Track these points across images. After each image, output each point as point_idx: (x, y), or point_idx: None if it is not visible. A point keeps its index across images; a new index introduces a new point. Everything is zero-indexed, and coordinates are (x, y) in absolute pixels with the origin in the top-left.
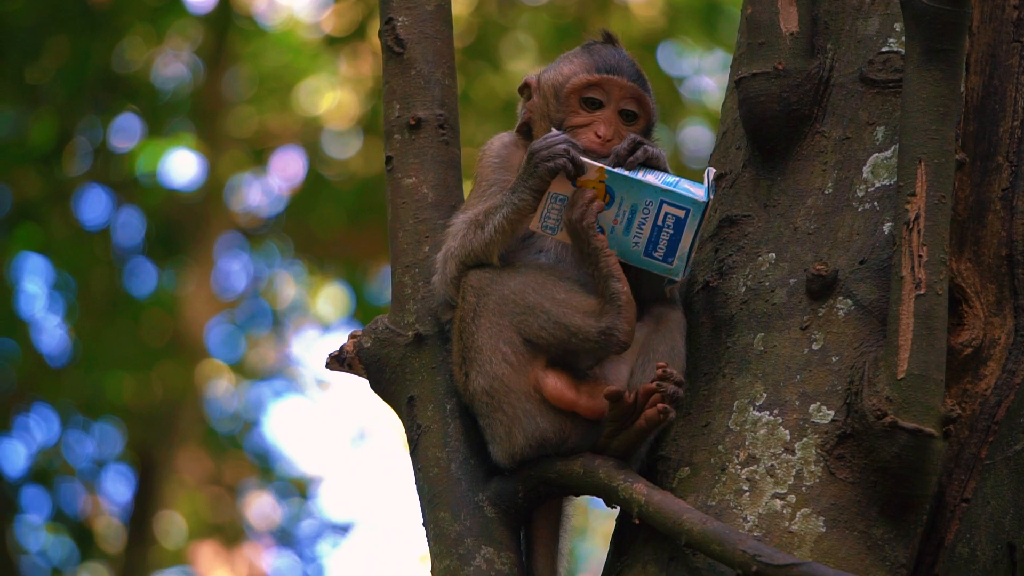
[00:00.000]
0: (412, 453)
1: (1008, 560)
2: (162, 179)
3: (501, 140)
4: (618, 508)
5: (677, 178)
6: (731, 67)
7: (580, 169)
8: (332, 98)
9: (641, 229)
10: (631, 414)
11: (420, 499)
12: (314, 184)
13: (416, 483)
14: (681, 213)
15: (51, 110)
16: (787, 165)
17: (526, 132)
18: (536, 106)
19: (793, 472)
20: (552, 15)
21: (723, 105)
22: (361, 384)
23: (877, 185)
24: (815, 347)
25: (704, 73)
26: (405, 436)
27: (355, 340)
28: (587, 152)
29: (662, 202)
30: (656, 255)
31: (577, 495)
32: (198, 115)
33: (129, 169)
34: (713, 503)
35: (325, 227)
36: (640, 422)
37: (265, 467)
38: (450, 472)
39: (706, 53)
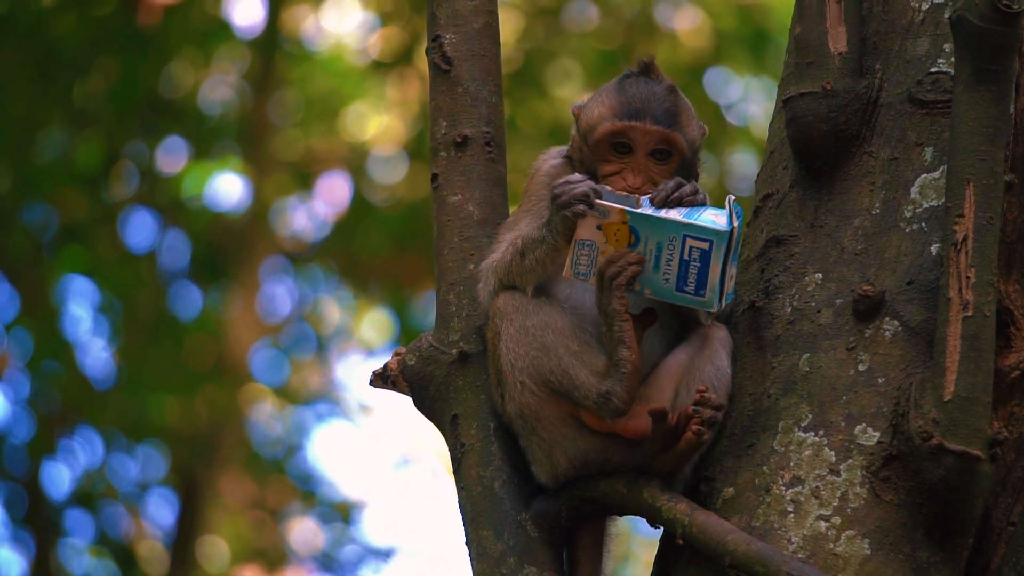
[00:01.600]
0: (455, 472)
1: None
2: (208, 202)
3: (550, 160)
4: (661, 529)
5: (703, 208)
6: (779, 87)
7: (603, 214)
8: (378, 122)
9: (669, 266)
10: (674, 435)
11: (463, 518)
12: (359, 208)
13: (459, 502)
14: (705, 245)
15: (98, 132)
16: (834, 185)
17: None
18: (576, 144)
19: (838, 494)
20: (598, 41)
21: (770, 125)
22: (404, 407)
23: (925, 206)
24: (861, 368)
25: (750, 99)
26: (449, 455)
27: (399, 358)
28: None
29: (685, 236)
30: (688, 289)
31: (620, 515)
32: (244, 139)
33: (175, 192)
34: (757, 524)
35: (370, 251)
36: (682, 444)
37: (308, 491)
38: (493, 491)
39: (752, 79)
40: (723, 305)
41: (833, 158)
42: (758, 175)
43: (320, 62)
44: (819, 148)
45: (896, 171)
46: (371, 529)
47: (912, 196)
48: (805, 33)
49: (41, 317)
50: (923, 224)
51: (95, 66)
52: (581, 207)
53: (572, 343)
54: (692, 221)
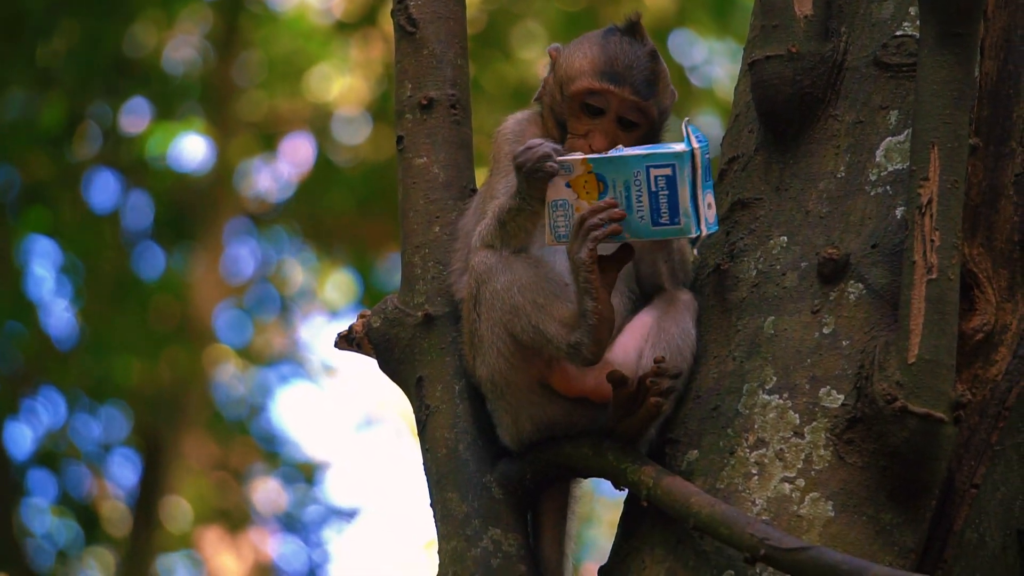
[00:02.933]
0: (420, 434)
1: (1017, 546)
2: (172, 163)
3: (515, 118)
4: (626, 491)
5: (663, 143)
6: (744, 50)
7: (568, 169)
8: (342, 84)
9: (640, 202)
10: (635, 400)
11: (428, 480)
12: (323, 169)
13: (424, 464)
14: (668, 171)
15: (61, 93)
16: (799, 148)
17: (546, 99)
18: (549, 87)
19: (802, 456)
20: (563, 2)
21: (736, 88)
22: (368, 369)
23: (890, 169)
24: (826, 331)
25: (714, 62)
26: (414, 417)
27: (364, 320)
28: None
29: (648, 167)
30: (663, 221)
31: (585, 477)
32: (208, 100)
33: (139, 153)
34: (722, 486)
35: (334, 213)
36: (642, 411)
37: (271, 452)
38: (458, 453)
39: (716, 42)
40: (704, 232)
41: (798, 122)
42: (723, 138)
43: (284, 23)
44: (784, 111)
45: (861, 135)
46: (334, 490)
47: (877, 159)
48: None
49: (4, 278)
50: (888, 187)
51: (59, 26)
52: (550, 165)
53: (539, 297)
54: (651, 151)
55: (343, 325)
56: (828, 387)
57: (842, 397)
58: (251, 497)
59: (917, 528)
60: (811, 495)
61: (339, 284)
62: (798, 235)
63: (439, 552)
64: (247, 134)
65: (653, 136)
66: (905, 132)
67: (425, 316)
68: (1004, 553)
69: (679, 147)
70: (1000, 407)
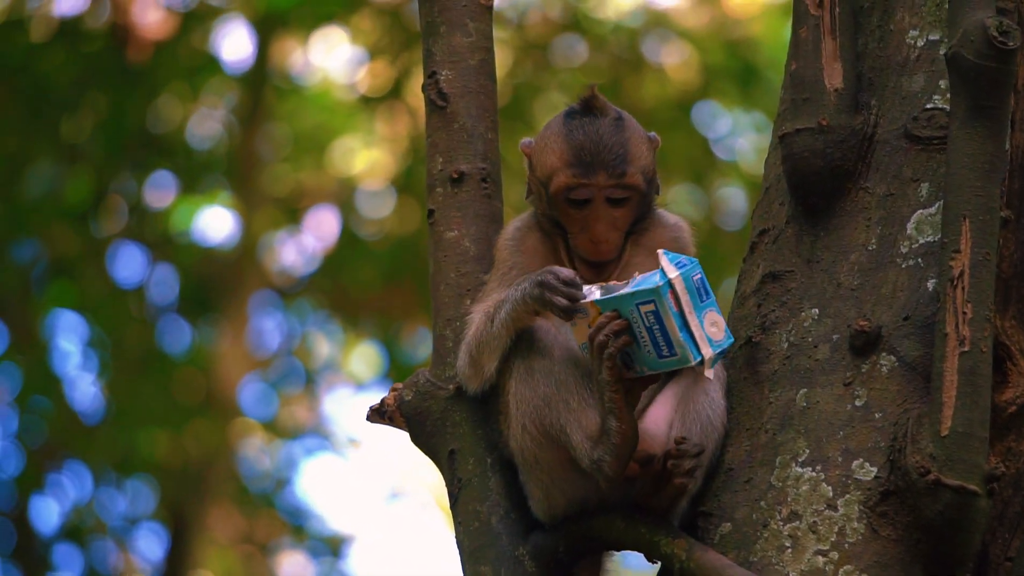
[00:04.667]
0: (453, 507)
1: None
2: (196, 237)
3: (514, 224)
4: (659, 564)
5: (651, 272)
6: (775, 123)
7: (585, 314)
8: (366, 157)
9: (643, 338)
10: (663, 476)
11: (460, 553)
12: (348, 243)
13: (456, 537)
14: (652, 307)
15: (87, 168)
16: (831, 221)
17: (534, 200)
18: (533, 186)
19: (836, 529)
20: (586, 75)
21: (766, 160)
22: (393, 442)
23: (921, 241)
24: (858, 403)
25: (739, 134)
26: (445, 489)
27: (396, 393)
28: (589, 264)
29: (637, 305)
30: (664, 354)
31: (618, 550)
32: (233, 173)
33: (164, 227)
34: (755, 559)
35: (359, 286)
36: (669, 489)
37: (297, 525)
38: (491, 526)
39: (741, 113)
40: (708, 354)
41: (829, 194)
42: (754, 211)
43: (308, 97)
44: (815, 184)
45: (892, 207)
46: (360, 563)
47: (908, 232)
48: (801, 69)
49: (30, 352)
50: (919, 260)
51: (84, 102)
52: (567, 315)
53: (572, 399)
54: (635, 288)
55: (369, 398)
56: (861, 459)
57: (875, 470)
58: (277, 571)
59: None
60: (845, 568)
61: (364, 357)
62: (830, 307)
63: None
64: (272, 208)
65: (646, 199)
66: (936, 204)
67: (457, 389)
68: None
69: (656, 279)
70: None
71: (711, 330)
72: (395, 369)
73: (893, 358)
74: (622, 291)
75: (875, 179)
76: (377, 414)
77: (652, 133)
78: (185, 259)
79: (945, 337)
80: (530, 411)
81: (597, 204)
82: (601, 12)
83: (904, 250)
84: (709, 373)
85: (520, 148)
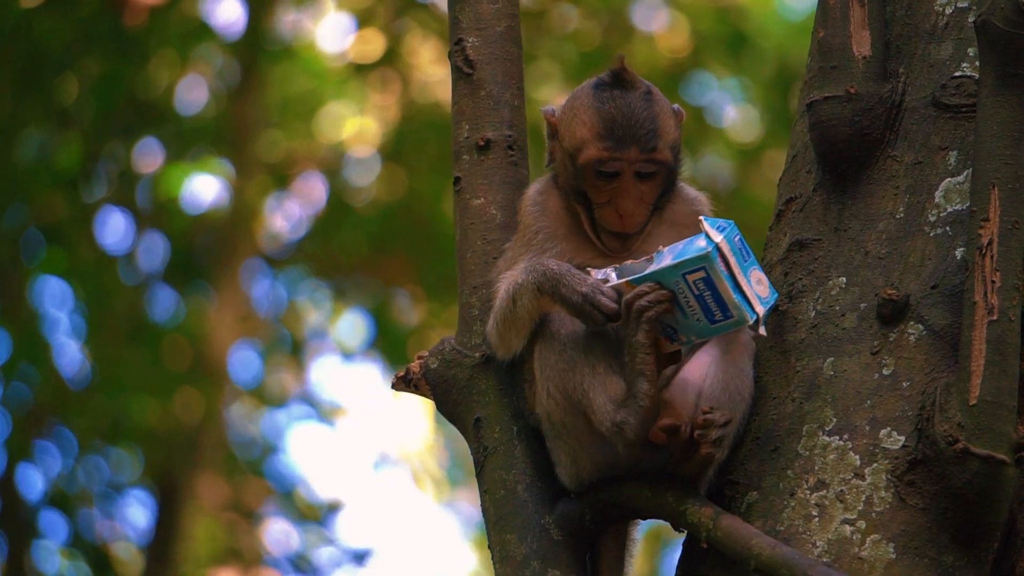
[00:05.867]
0: (478, 475)
1: None
2: (186, 204)
3: (535, 188)
4: (685, 532)
5: (687, 240)
6: (801, 91)
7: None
8: (356, 124)
9: (691, 307)
10: (692, 445)
11: (486, 521)
12: (336, 210)
13: (482, 505)
14: (702, 273)
15: (78, 134)
16: (858, 189)
17: (557, 167)
18: (557, 154)
19: (863, 498)
20: (577, 43)
21: (792, 128)
22: (380, 410)
23: (949, 210)
24: (886, 372)
25: (729, 102)
26: (472, 457)
27: (421, 361)
28: (613, 235)
29: (684, 275)
30: (718, 318)
31: (645, 519)
32: (223, 140)
33: (153, 193)
34: (782, 528)
35: (347, 253)
36: (697, 457)
37: (284, 493)
38: (516, 494)
39: (731, 81)
40: (761, 311)
41: (857, 162)
42: (780, 179)
43: (299, 64)
44: (843, 152)
45: (920, 175)
46: (347, 531)
47: (936, 200)
48: (829, 37)
49: (18, 319)
50: (947, 228)
51: (76, 67)
52: (601, 318)
53: (599, 364)
54: (680, 259)
55: (356, 365)
56: (888, 428)
57: (903, 439)
58: (263, 538)
59: (979, 570)
60: (872, 537)
61: (353, 324)
62: (857, 276)
63: None
64: (262, 174)
65: (676, 171)
66: (964, 173)
67: (483, 357)
68: None
69: (702, 245)
70: None
71: (758, 288)
72: (382, 336)
73: (921, 327)
74: (662, 265)
75: (903, 147)
76: (403, 382)
77: (676, 106)
78: (174, 226)
79: (974, 306)
80: (555, 375)
81: (626, 178)
82: None
83: (932, 218)
84: (763, 330)
85: (544, 115)
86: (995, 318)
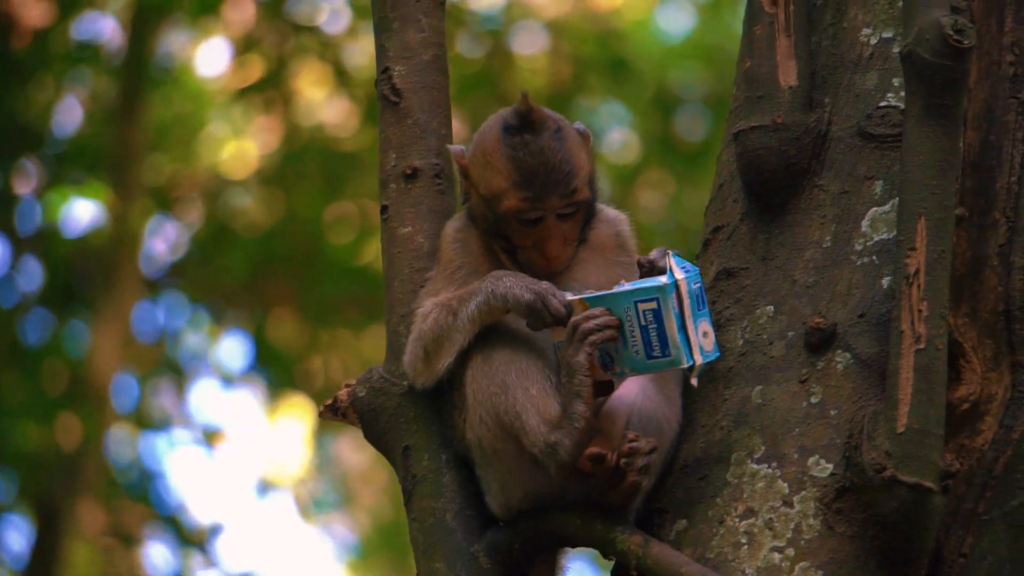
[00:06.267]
0: (407, 503)
1: None
2: (66, 228)
3: (454, 225)
4: (614, 560)
5: (651, 278)
6: (727, 120)
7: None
8: (236, 147)
9: (634, 337)
10: (617, 473)
11: (415, 550)
12: (216, 233)
13: (411, 533)
14: (654, 304)
15: None
16: (785, 218)
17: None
18: (473, 197)
19: (792, 525)
20: (456, 68)
21: (718, 157)
22: (260, 435)
23: (876, 239)
24: (814, 400)
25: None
26: (400, 486)
27: (349, 389)
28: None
29: (635, 303)
30: (655, 354)
31: (574, 547)
32: (104, 163)
33: (31, 217)
34: (711, 556)
35: (228, 277)
36: (624, 485)
37: (164, 517)
38: (445, 523)
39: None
40: (699, 360)
41: (784, 191)
42: (707, 207)
43: (180, 86)
44: (770, 181)
45: (847, 204)
46: (227, 554)
47: (863, 229)
48: (755, 67)
49: None
50: (874, 257)
51: None
52: (555, 322)
53: (532, 386)
54: (637, 286)
55: (236, 391)
56: (817, 456)
57: (831, 467)
58: (142, 563)
59: None
60: (801, 564)
61: (233, 348)
62: (785, 305)
63: None
64: (144, 197)
65: (595, 201)
66: (890, 202)
67: (411, 385)
68: None
69: (663, 279)
70: (987, 476)
71: (703, 340)
72: (262, 360)
73: (848, 355)
74: (619, 289)
75: (829, 177)
76: (330, 411)
77: (579, 125)
78: (54, 250)
79: (901, 335)
80: (486, 400)
81: (548, 222)
82: (474, 3)
83: (859, 247)
84: (695, 381)
85: (453, 157)
86: (922, 347)
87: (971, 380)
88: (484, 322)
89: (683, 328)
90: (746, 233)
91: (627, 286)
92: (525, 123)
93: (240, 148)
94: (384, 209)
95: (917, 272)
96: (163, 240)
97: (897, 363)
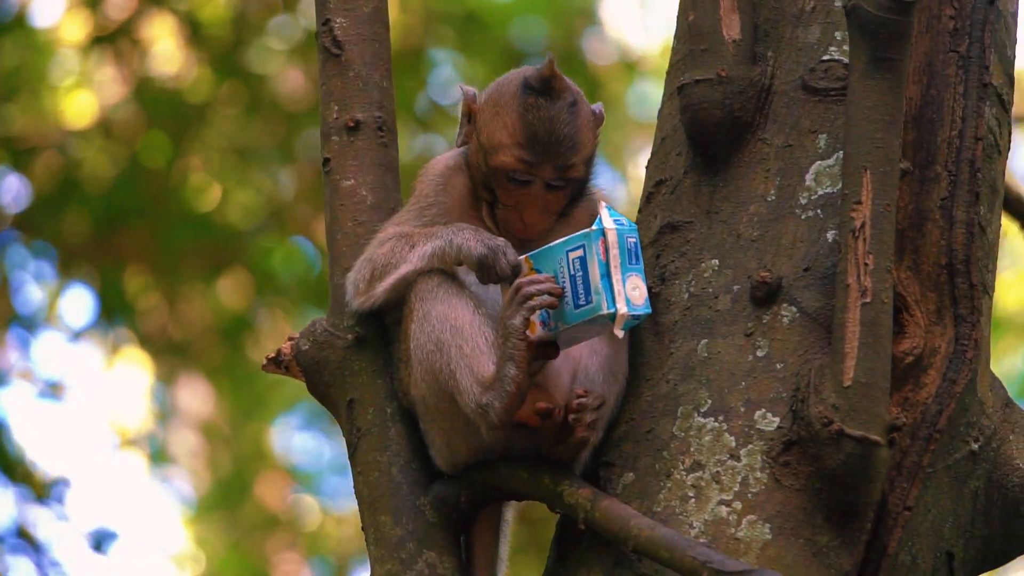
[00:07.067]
0: (351, 457)
1: (947, 568)
2: None
3: (444, 162)
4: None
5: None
6: (668, 73)
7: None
8: (80, 99)
9: (565, 288)
10: (565, 428)
11: (359, 503)
12: (64, 185)
13: (355, 487)
14: (580, 252)
15: None
16: (729, 172)
17: (469, 151)
18: (472, 143)
19: (739, 479)
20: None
21: (659, 111)
22: (106, 390)
23: (820, 193)
24: (760, 354)
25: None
26: (344, 439)
27: (292, 343)
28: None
29: (567, 252)
30: (581, 303)
31: (521, 500)
32: None
33: None
34: (658, 509)
35: (73, 230)
36: (572, 440)
37: (7, 469)
38: (391, 476)
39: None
40: (622, 310)
41: (728, 145)
42: (648, 161)
43: (31, 37)
44: (714, 135)
45: (791, 158)
46: (74, 509)
47: (807, 183)
48: (699, 20)
49: None
50: (819, 211)
51: None
52: (506, 278)
53: (466, 345)
54: (570, 237)
55: (81, 343)
56: (763, 410)
57: (777, 420)
58: None
59: (853, 550)
60: (748, 518)
61: (76, 301)
62: (729, 258)
63: (372, 575)
64: None
65: (586, 181)
66: (834, 156)
67: (356, 339)
68: (934, 574)
69: (591, 228)
70: (931, 430)
71: (632, 293)
72: (107, 314)
73: (794, 309)
74: (556, 242)
75: (773, 130)
76: (273, 364)
77: (597, 107)
78: None
79: (847, 288)
80: (425, 358)
81: (536, 188)
82: None
83: (803, 201)
84: (619, 332)
85: (463, 95)
86: (868, 300)
87: (915, 334)
88: (434, 266)
89: (607, 276)
90: (690, 187)
91: (564, 238)
92: (545, 87)
93: (85, 99)
94: (326, 162)
95: (863, 226)
96: (10, 192)
97: (843, 316)
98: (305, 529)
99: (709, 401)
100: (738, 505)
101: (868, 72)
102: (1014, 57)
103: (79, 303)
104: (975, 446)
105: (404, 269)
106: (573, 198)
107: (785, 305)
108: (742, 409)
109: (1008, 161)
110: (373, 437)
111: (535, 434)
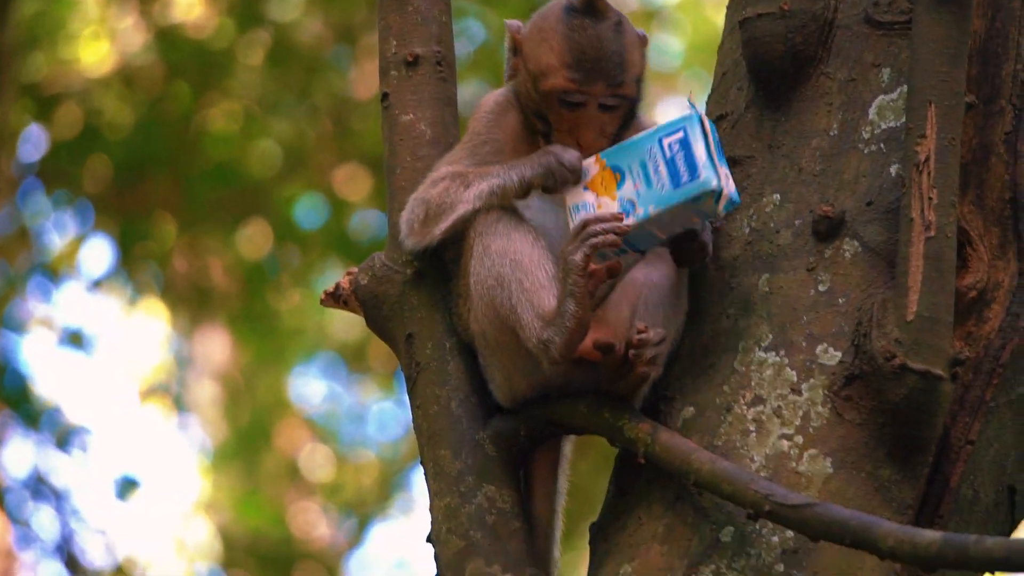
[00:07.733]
0: (410, 391)
1: (1008, 501)
2: None
3: (495, 98)
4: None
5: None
6: (729, 7)
7: (585, 174)
8: (102, 47)
9: (659, 173)
10: (626, 363)
11: (418, 437)
12: (83, 135)
13: (414, 421)
14: (680, 134)
15: None
16: (791, 106)
17: (519, 84)
18: (520, 73)
19: (800, 413)
20: None
21: (720, 47)
22: (126, 339)
23: (883, 127)
24: (822, 288)
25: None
26: (403, 373)
27: (351, 277)
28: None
29: (660, 139)
30: (684, 180)
31: (580, 434)
32: None
33: None
34: (719, 443)
35: (94, 179)
36: (633, 376)
37: (29, 417)
38: (450, 410)
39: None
40: (726, 189)
41: (790, 79)
42: (709, 96)
43: None
44: (776, 69)
45: (853, 92)
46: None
47: (870, 117)
48: None
49: None
50: (881, 145)
51: None
52: (569, 180)
53: (526, 279)
54: (662, 125)
55: (101, 293)
56: (825, 344)
57: (839, 354)
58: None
59: (914, 484)
60: (809, 452)
61: (98, 250)
62: (791, 193)
63: (431, 509)
64: (19, 98)
65: (638, 102)
66: (898, 90)
67: (415, 273)
68: (996, 509)
69: (687, 112)
70: (994, 364)
71: (727, 181)
72: (128, 263)
73: (856, 243)
74: (639, 135)
75: (836, 64)
76: (332, 298)
77: (641, 31)
78: None
79: (911, 222)
80: (485, 292)
81: (590, 109)
82: None
83: (866, 135)
84: (721, 211)
85: (507, 29)
86: (932, 234)
87: (978, 268)
88: (492, 204)
89: (709, 153)
90: (751, 121)
91: (649, 131)
92: (588, 8)
93: (102, 47)
94: (385, 96)
95: (927, 159)
96: (31, 142)
97: (907, 251)
98: (323, 479)
99: (770, 336)
100: (799, 439)
101: (933, 5)
102: None
103: (99, 252)
104: None
105: (461, 209)
106: (624, 123)
107: (847, 239)
108: (804, 344)
109: None
110: (432, 371)
111: (595, 369)
